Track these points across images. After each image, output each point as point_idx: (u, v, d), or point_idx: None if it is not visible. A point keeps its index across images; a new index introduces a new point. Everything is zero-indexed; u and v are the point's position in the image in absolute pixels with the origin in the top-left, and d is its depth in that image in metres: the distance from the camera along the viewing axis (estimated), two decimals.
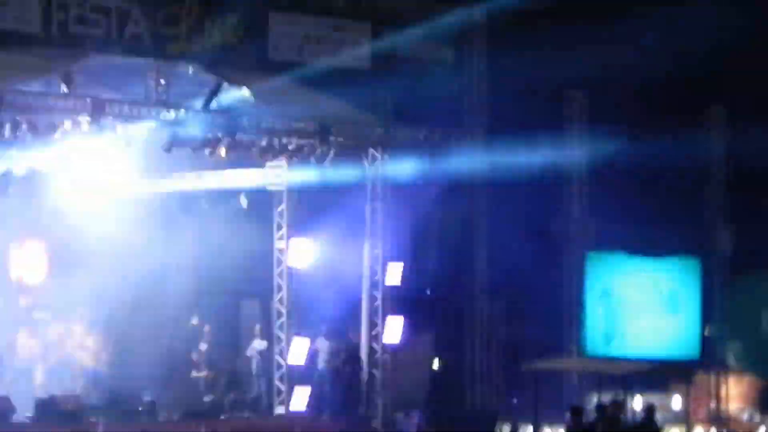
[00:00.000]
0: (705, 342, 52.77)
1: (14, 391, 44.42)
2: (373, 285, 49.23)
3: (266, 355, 50.49)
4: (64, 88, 41.99)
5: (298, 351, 48.86)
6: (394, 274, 48.23)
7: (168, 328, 51.06)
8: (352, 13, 45.86)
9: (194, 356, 50.31)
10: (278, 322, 50.51)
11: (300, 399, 48.23)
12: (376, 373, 49.30)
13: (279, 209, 50.28)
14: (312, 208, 49.60)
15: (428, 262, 48.57)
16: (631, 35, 48.76)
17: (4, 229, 47.21)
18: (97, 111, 41.77)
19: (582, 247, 51.00)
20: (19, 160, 43.73)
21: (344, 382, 49.15)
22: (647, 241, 52.13)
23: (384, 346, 49.46)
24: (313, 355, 49.94)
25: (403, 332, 49.43)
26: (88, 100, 42.04)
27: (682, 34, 49.70)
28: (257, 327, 51.64)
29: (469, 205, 48.33)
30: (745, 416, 51.19)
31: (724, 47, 50.92)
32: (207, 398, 48.40)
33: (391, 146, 46.86)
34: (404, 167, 47.35)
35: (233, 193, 49.61)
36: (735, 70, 53.80)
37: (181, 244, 50.26)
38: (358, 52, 45.52)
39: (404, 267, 48.48)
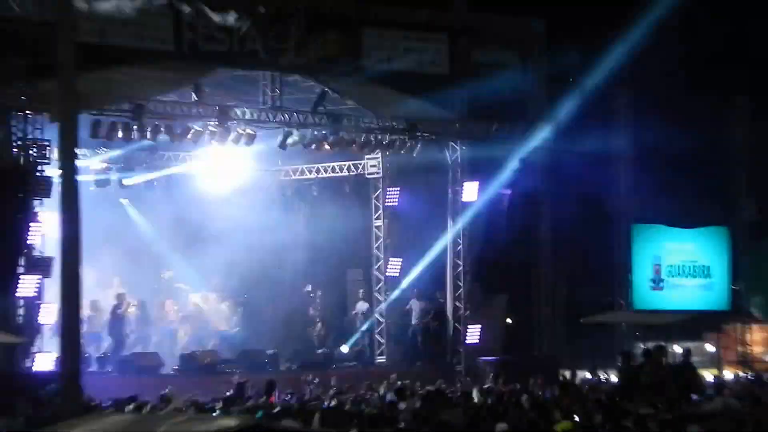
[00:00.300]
0: (733, 297, 52.75)
1: (161, 349, 45.39)
2: (456, 254, 49.42)
3: (368, 315, 50.68)
4: (194, 97, 42.16)
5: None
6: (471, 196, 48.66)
7: (286, 294, 51.79)
8: (432, 26, 46.02)
9: (309, 316, 50.72)
10: (377, 287, 50.79)
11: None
12: (459, 327, 49.44)
13: (376, 194, 50.82)
14: (404, 192, 49.90)
15: (501, 234, 48.59)
16: (666, 39, 48.75)
17: (152, 215, 47.79)
18: (223, 116, 42.51)
19: (629, 219, 50.92)
20: (162, 161, 44.55)
21: (433, 336, 49.48)
22: (683, 213, 52.17)
23: (466, 305, 49.62)
24: (407, 314, 50.37)
25: (482, 293, 49.79)
26: (216, 107, 42.73)
27: (708, 38, 49.75)
28: (360, 291, 52.03)
29: (534, 186, 48.27)
30: (766, 358, 51.09)
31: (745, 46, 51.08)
32: (319, 351, 48.83)
33: (467, 138, 46.94)
34: (479, 155, 47.54)
35: (339, 181, 49.39)
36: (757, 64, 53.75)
37: (296, 224, 51.30)
38: (437, 60, 45.68)
39: (481, 238, 48.65)
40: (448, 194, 49.36)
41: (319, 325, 50.54)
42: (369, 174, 50.80)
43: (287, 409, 31.25)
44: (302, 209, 51.29)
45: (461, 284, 49.80)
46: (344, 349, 49.62)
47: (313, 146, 45.68)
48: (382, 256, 51.26)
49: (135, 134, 42.24)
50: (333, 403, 33.35)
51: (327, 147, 46.06)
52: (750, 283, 52.57)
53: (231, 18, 42.06)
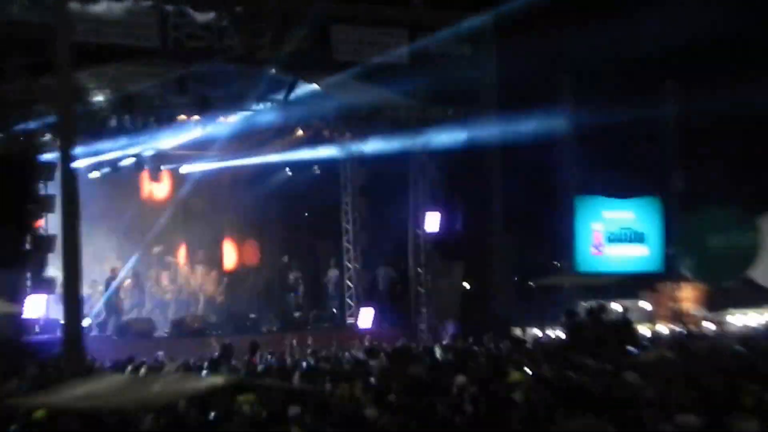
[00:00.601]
0: (665, 259, 53.13)
1: (154, 315, 46.02)
2: (417, 226, 49.54)
3: (338, 281, 50.86)
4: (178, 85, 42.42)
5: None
6: (432, 221, 48.79)
7: (266, 265, 51.63)
8: (394, 22, 46.19)
9: (286, 283, 50.86)
10: (346, 256, 50.96)
11: (365, 318, 49.08)
12: (421, 291, 49.64)
13: (345, 173, 50.81)
14: (370, 172, 50.15)
15: (459, 209, 48.88)
16: (604, 29, 48.93)
17: (143, 195, 48.15)
18: (205, 105, 42.32)
19: (572, 192, 51.24)
20: (148, 144, 44.48)
21: (398, 299, 49.71)
22: (621, 186, 52.62)
23: (426, 271, 49.84)
24: (374, 280, 50.51)
25: (442, 261, 50.13)
26: (199, 97, 42.58)
27: (641, 30, 50.01)
28: (331, 260, 52.05)
29: (487, 164, 48.51)
30: (695, 313, 51.41)
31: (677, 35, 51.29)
32: (296, 314, 48.96)
33: (425, 122, 47.09)
34: (438, 139, 47.75)
35: (310, 162, 49.48)
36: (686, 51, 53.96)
37: (272, 201, 50.57)
38: (399, 52, 45.88)
39: (441, 214, 48.91)
40: (410, 173, 49.30)
41: (295, 291, 50.62)
42: (339, 156, 50.33)
43: (269, 368, 31.44)
44: (279, 188, 50.75)
45: (422, 253, 49.79)
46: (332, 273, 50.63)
47: (288, 132, 46.00)
48: (350, 228, 51.34)
49: (126, 123, 42.55)
50: (310, 361, 33.56)
51: (300, 133, 46.37)
52: (680, 247, 52.90)
53: (211, 17, 42.28)
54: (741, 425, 19.27)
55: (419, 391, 24.93)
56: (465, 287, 50.20)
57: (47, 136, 39.08)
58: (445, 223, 49.45)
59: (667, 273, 53.31)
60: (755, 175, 54.56)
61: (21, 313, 38.19)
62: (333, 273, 51.78)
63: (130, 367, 30.51)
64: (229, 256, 51.50)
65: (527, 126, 48.70)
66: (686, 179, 53.73)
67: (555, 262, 51.34)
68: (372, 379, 27.37)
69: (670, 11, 53.13)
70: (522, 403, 22.91)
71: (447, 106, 47.49)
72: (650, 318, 49.65)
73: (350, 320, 50.73)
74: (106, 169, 45.69)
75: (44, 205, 38.53)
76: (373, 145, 48.62)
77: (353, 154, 50.38)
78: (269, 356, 36.66)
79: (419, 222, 49.95)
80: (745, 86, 50.41)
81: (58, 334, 32.92)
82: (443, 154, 48.07)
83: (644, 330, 45.01)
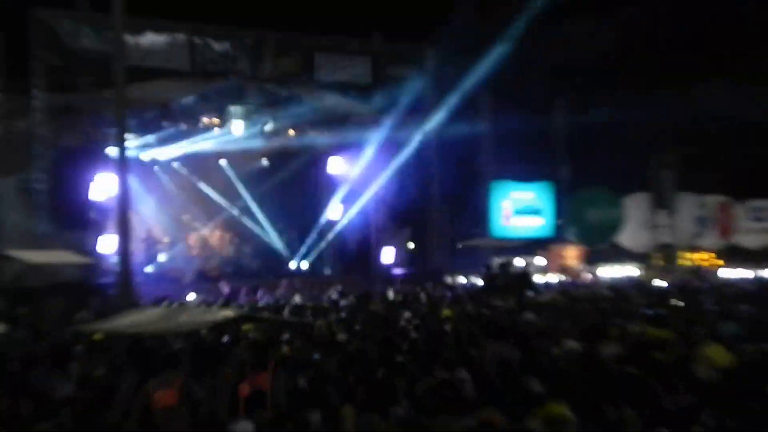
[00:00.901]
0: (556, 228, 53.20)
1: (183, 266, 45.42)
2: (377, 202, 49.33)
3: (318, 242, 50.78)
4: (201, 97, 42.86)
5: None
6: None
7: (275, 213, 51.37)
8: (360, 52, 46.37)
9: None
10: (324, 224, 50.89)
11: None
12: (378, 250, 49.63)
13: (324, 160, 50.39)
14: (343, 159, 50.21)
15: (407, 188, 48.76)
16: (515, 56, 48.93)
17: (175, 179, 47.58)
18: (223, 113, 42.66)
19: (490, 177, 51.24)
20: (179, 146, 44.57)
21: (361, 256, 49.80)
22: (525, 173, 52.64)
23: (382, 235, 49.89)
24: (345, 242, 50.64)
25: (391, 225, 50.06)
26: (217, 105, 43.07)
27: (539, 55, 49.97)
28: (313, 227, 51.33)
29: (429, 156, 48.54)
30: (577, 267, 51.41)
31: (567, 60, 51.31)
32: (287, 266, 48.99)
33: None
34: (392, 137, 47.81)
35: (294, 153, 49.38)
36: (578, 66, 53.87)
37: (269, 183, 50.44)
38: (363, 74, 46.07)
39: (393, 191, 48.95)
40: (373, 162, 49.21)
41: (287, 248, 50.49)
42: (319, 148, 49.61)
43: (266, 305, 31.56)
44: (273, 173, 50.43)
45: (379, 222, 49.61)
46: (303, 265, 49.78)
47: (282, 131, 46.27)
48: (328, 203, 50.64)
49: (164, 125, 42.79)
50: (297, 300, 33.64)
51: (291, 132, 46.51)
52: (566, 219, 52.95)
53: (227, 47, 42.41)
54: (608, 350, 19.45)
55: (377, 323, 25.04)
56: (410, 247, 50.32)
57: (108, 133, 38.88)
58: (398, 200, 49.46)
59: (557, 238, 53.23)
60: (620, 166, 54.59)
61: (89, 263, 38.24)
62: (314, 236, 50.74)
63: (164, 303, 30.54)
64: (237, 224, 50.76)
65: (458, 129, 49.02)
66: (571, 169, 53.90)
67: (475, 229, 51.23)
68: (342, 314, 27.52)
69: (561, 44, 53.32)
70: (451, 332, 23.04)
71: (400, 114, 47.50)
72: (544, 271, 49.61)
73: (326, 272, 50.16)
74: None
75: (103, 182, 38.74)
76: (345, 139, 48.09)
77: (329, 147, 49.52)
78: (267, 296, 36.78)
79: (378, 199, 49.46)
80: (615, 99, 50.82)
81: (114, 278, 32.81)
82: (398, 149, 47.99)
83: (539, 279, 45.17)
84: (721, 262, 54.35)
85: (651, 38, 55.28)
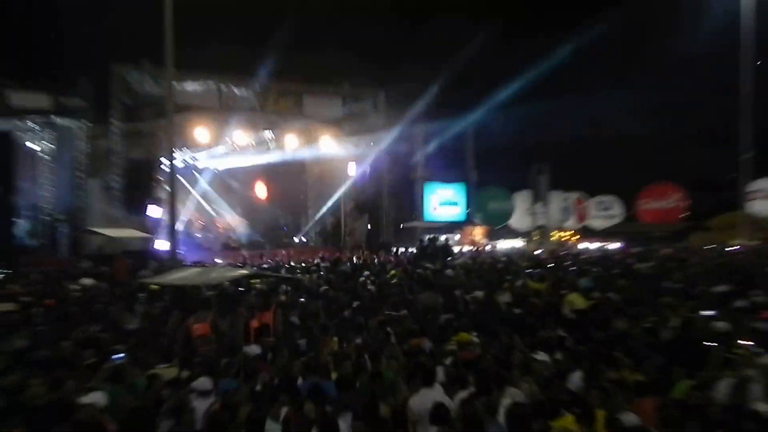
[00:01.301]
0: (467, 215, 52.91)
1: (212, 240, 45.14)
2: (347, 197, 49.23)
3: (306, 225, 50.37)
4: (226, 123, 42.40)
5: None
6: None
7: (269, 214, 50.94)
8: (334, 94, 46.19)
9: (282, 225, 50.44)
10: (310, 212, 50.20)
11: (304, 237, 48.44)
12: (347, 229, 49.65)
13: (308, 165, 49.74)
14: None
15: (367, 188, 48.59)
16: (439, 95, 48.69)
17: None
18: (238, 138, 42.27)
19: (423, 180, 50.79)
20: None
21: (334, 233, 49.63)
22: (448, 176, 52.39)
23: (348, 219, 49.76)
24: (325, 224, 50.23)
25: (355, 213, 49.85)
26: (233, 132, 42.68)
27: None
28: (302, 214, 51.05)
29: (380, 167, 48.53)
30: (482, 241, 51.16)
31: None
32: (285, 240, 48.65)
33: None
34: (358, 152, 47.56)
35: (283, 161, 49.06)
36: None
37: (272, 185, 49.65)
38: (336, 112, 45.91)
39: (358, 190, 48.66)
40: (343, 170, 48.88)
41: (285, 228, 50.21)
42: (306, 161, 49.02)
43: (269, 266, 31.47)
44: (275, 175, 49.86)
45: (347, 210, 49.41)
46: (296, 239, 49.52)
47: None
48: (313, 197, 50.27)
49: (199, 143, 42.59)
50: (291, 263, 33.56)
51: (288, 149, 46.30)
52: (475, 208, 52.61)
53: (243, 91, 42.12)
54: (502, 297, 19.49)
55: (346, 278, 25.02)
56: (368, 228, 50.07)
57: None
58: (360, 195, 49.28)
59: (468, 221, 52.78)
60: (511, 172, 54.70)
61: (148, 238, 38.27)
62: (305, 221, 50.56)
63: (199, 265, 30.41)
64: (250, 211, 50.26)
65: (401, 147, 48.82)
66: (477, 174, 53.62)
67: (412, 215, 50.76)
68: (322, 273, 27.49)
69: (473, 94, 53.31)
70: (395, 284, 23.03)
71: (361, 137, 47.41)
72: (459, 243, 49.40)
73: (311, 244, 49.63)
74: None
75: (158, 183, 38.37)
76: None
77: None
78: (270, 261, 36.65)
79: (347, 195, 49.09)
80: (507, 125, 51.06)
81: (166, 248, 32.55)
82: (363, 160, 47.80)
83: (456, 248, 45.08)
84: (578, 237, 54.59)
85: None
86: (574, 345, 12.99)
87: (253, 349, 13.33)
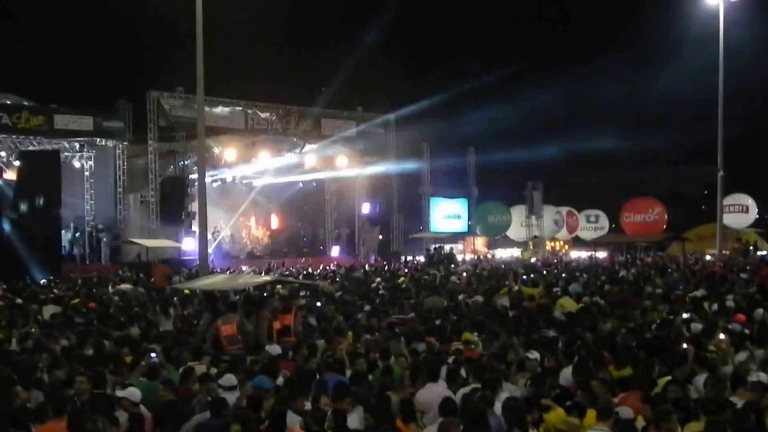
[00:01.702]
0: (469, 227, 52.84)
1: (239, 250, 44.86)
2: (359, 215, 49.18)
3: (325, 236, 50.25)
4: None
5: None
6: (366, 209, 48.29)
7: (289, 227, 50.72)
8: (349, 118, 46.28)
9: (301, 237, 50.19)
10: (329, 226, 50.44)
11: (336, 251, 48.62)
12: (362, 239, 49.61)
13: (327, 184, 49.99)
14: None
15: (377, 203, 48.56)
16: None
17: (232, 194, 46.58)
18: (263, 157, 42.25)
19: (428, 196, 50.58)
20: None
21: (350, 241, 49.44)
22: (451, 193, 52.40)
23: (363, 230, 49.66)
24: (340, 234, 50.14)
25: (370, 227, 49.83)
26: (259, 153, 42.63)
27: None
28: (320, 228, 50.84)
29: (389, 183, 48.56)
30: (482, 250, 51.17)
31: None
32: (304, 249, 48.32)
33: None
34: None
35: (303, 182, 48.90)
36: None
37: (289, 197, 49.80)
38: (351, 131, 46.05)
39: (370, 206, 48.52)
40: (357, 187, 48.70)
41: (305, 239, 50.01)
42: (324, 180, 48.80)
43: (290, 273, 31.51)
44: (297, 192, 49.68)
45: (360, 222, 49.34)
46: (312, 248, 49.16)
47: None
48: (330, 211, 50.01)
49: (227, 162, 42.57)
50: (310, 270, 33.61)
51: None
52: (476, 221, 52.42)
53: (266, 114, 42.29)
54: (499, 300, 19.57)
55: (358, 284, 25.06)
56: (380, 238, 50.01)
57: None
58: (372, 210, 49.13)
59: (470, 232, 52.89)
60: (508, 188, 54.66)
61: (180, 247, 38.55)
62: (323, 233, 50.00)
63: (228, 271, 30.49)
64: (273, 223, 50.19)
65: (409, 166, 48.87)
66: (478, 190, 53.68)
67: (420, 227, 50.59)
68: (337, 278, 27.54)
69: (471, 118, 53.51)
70: (404, 288, 23.08)
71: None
72: (462, 252, 49.46)
73: (327, 253, 49.06)
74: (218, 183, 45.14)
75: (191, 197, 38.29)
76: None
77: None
78: (291, 268, 36.72)
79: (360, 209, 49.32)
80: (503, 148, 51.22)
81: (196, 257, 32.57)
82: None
83: (459, 257, 45.13)
84: (568, 247, 54.59)
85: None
86: (565, 344, 12.99)
87: (275, 349, 13.36)
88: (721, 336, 12.24)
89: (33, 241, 33.09)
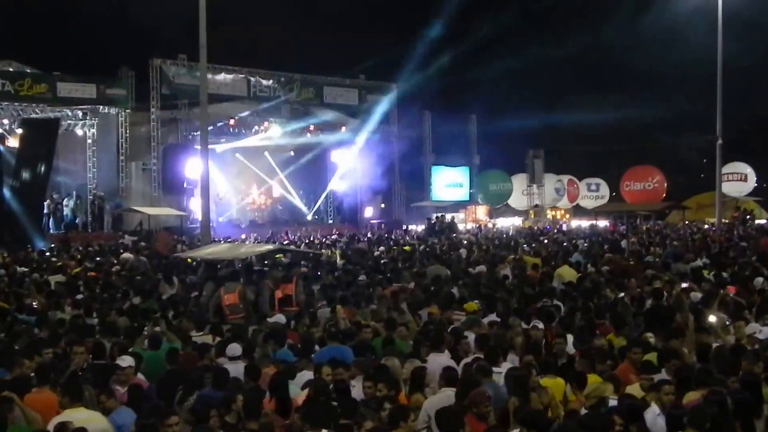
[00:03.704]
0: (471, 195, 52.46)
1: (240, 218, 44.65)
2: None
3: (322, 208, 50.02)
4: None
5: None
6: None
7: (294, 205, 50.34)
8: (351, 86, 46.30)
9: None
10: (329, 198, 50.16)
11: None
12: (363, 209, 49.34)
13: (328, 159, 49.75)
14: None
15: (379, 171, 48.49)
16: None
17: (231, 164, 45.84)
18: (262, 121, 42.09)
19: (430, 165, 50.36)
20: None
21: (350, 214, 49.29)
22: (452, 161, 52.12)
23: (361, 200, 49.54)
24: (341, 204, 50.04)
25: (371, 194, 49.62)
26: (266, 122, 42.76)
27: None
28: (318, 200, 50.48)
29: (391, 151, 48.36)
30: (484, 219, 50.97)
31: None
32: (305, 218, 47.97)
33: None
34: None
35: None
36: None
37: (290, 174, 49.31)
38: (352, 99, 45.96)
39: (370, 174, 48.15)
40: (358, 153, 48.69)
41: (306, 207, 49.44)
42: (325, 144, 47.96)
43: (291, 241, 31.50)
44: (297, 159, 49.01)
45: (363, 191, 48.96)
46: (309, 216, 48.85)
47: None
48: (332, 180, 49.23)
49: (231, 130, 42.39)
50: (311, 239, 33.60)
51: (308, 134, 46.03)
52: (477, 189, 51.97)
53: (269, 81, 42.12)
54: (501, 269, 19.59)
55: (362, 255, 25.07)
56: (382, 207, 49.58)
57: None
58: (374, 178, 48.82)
59: (471, 201, 52.38)
60: (509, 157, 54.46)
61: (184, 215, 38.88)
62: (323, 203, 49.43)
63: (229, 240, 30.51)
64: (275, 191, 49.19)
65: (411, 133, 48.68)
66: (480, 158, 53.53)
67: (422, 196, 50.01)
68: (336, 247, 27.55)
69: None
70: (407, 256, 23.10)
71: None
72: (464, 221, 49.15)
73: (330, 222, 48.80)
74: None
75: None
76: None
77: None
78: (293, 236, 36.71)
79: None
80: (506, 115, 51.03)
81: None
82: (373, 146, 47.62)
83: (461, 225, 45.06)
84: (569, 216, 54.55)
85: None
86: (567, 314, 12.94)
87: (281, 318, 13.36)
88: (712, 318, 12.12)
89: (33, 209, 33.09)
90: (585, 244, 27.20)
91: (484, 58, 54.78)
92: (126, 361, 9.65)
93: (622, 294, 15.25)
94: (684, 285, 15.64)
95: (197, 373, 9.56)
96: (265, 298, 15.75)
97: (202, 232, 27.05)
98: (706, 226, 39.35)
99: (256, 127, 43.40)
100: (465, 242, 30.29)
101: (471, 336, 11.04)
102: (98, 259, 24.69)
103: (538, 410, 7.97)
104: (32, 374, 9.20)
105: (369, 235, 36.79)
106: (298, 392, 8.97)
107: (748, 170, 50.54)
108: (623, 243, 27.31)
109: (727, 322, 12.10)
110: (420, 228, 42.57)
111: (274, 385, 8.73)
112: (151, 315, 13.40)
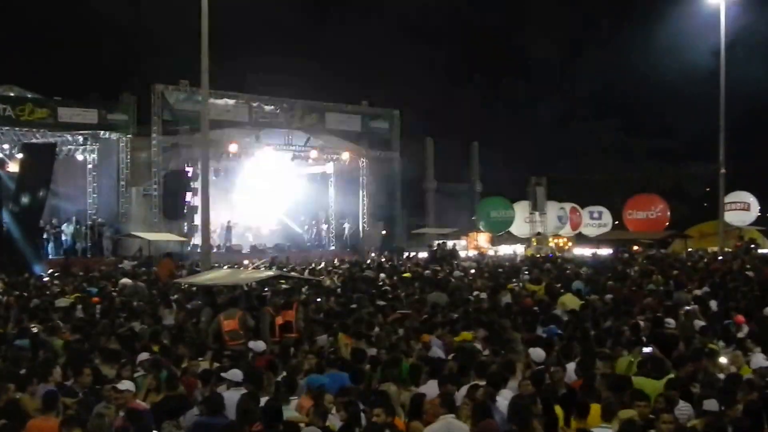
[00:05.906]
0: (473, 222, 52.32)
1: (241, 244, 44.36)
2: (363, 211, 48.84)
3: (327, 233, 49.93)
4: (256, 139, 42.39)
5: None
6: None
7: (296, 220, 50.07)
8: (353, 112, 46.73)
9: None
10: (332, 219, 49.97)
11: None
12: (366, 232, 49.24)
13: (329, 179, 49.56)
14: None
15: (380, 200, 48.51)
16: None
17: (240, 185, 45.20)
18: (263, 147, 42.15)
19: (433, 190, 50.26)
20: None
21: (352, 240, 49.13)
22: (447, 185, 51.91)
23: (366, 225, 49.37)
24: (343, 230, 49.73)
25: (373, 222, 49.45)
26: (266, 145, 42.57)
27: None
28: (322, 225, 50.33)
29: (393, 181, 48.40)
30: (486, 247, 50.66)
31: None
32: (308, 244, 47.84)
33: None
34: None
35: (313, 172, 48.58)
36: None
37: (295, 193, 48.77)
38: (355, 125, 46.25)
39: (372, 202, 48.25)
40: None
41: (307, 234, 49.36)
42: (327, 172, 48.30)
43: (292, 267, 31.49)
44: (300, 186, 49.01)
45: (365, 218, 48.98)
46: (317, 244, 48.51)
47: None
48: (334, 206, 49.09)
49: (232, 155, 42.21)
50: (313, 265, 33.58)
51: (311, 160, 45.95)
52: (479, 216, 51.79)
53: (271, 107, 42.33)
54: (503, 297, 19.58)
55: (363, 279, 25.06)
56: (383, 234, 49.41)
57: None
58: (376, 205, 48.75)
59: (476, 227, 52.31)
60: (511, 184, 54.42)
61: (184, 240, 38.73)
62: (324, 227, 49.09)
63: (229, 266, 30.54)
64: (276, 217, 48.63)
65: (412, 164, 48.69)
66: (481, 185, 53.55)
67: (422, 223, 50.44)
68: (340, 272, 27.58)
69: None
70: (408, 281, 23.15)
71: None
72: (465, 248, 48.96)
73: (331, 248, 48.02)
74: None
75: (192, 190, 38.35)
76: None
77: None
78: (293, 263, 36.67)
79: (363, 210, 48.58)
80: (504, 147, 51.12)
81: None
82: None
83: (462, 253, 44.96)
84: (571, 244, 54.55)
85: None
86: (567, 344, 12.95)
87: (259, 345, 13.41)
88: (723, 360, 12.03)
89: (31, 235, 33.20)
90: (589, 272, 27.25)
91: (486, 86, 54.92)
92: (125, 384, 9.73)
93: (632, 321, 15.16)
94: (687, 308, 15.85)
95: (196, 399, 9.63)
96: (266, 325, 15.79)
97: (202, 258, 27.16)
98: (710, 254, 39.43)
99: (258, 153, 43.41)
100: (469, 269, 30.38)
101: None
102: (102, 282, 24.82)
103: None
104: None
105: (368, 261, 36.77)
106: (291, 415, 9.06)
107: (751, 199, 50.54)
108: (628, 270, 27.41)
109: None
110: (422, 255, 42.42)
111: (267, 411, 8.78)
112: (147, 341, 13.51)
